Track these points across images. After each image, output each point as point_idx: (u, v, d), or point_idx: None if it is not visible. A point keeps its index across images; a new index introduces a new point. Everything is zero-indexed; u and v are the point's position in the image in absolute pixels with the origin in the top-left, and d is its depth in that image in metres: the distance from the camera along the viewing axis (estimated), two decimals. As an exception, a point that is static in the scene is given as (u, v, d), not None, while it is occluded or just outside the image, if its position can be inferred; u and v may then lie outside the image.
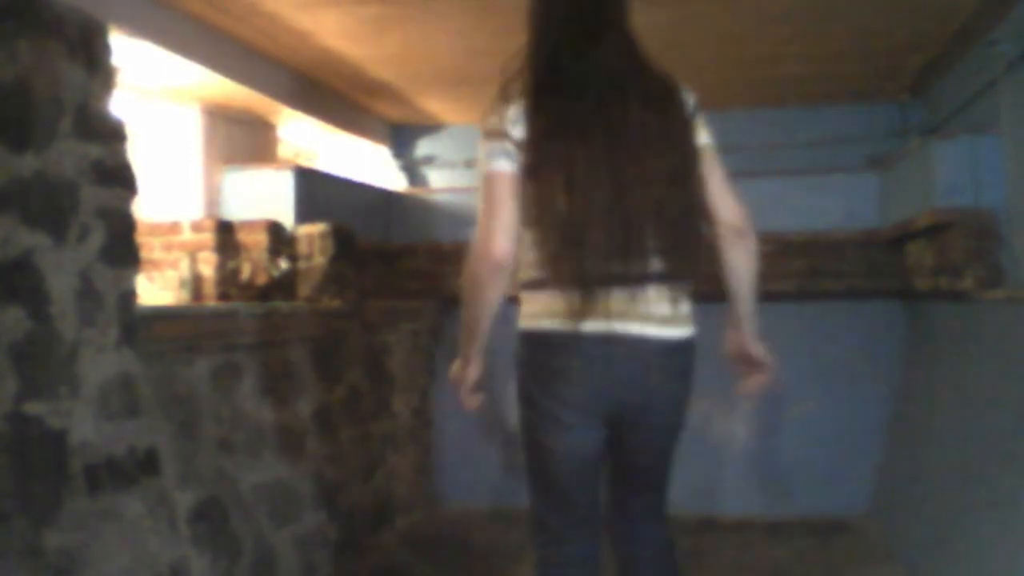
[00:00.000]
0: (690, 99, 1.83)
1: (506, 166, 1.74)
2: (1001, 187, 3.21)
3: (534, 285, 1.79)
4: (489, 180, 1.75)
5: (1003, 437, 2.70)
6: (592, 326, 1.73)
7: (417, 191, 4.98)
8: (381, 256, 4.49)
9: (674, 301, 1.78)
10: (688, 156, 1.78)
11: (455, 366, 1.95)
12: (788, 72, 4.14)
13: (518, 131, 1.75)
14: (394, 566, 3.46)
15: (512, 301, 1.84)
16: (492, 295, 1.77)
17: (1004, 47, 3.16)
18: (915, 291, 3.83)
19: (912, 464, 3.60)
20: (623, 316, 1.74)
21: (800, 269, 4.17)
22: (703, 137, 1.83)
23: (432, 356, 4.50)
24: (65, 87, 1.94)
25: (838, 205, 4.21)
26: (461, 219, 4.62)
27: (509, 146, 1.75)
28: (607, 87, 1.76)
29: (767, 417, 4.27)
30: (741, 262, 1.84)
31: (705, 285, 1.83)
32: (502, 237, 1.72)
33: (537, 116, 1.76)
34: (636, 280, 1.74)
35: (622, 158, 1.72)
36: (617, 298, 1.73)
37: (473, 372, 1.92)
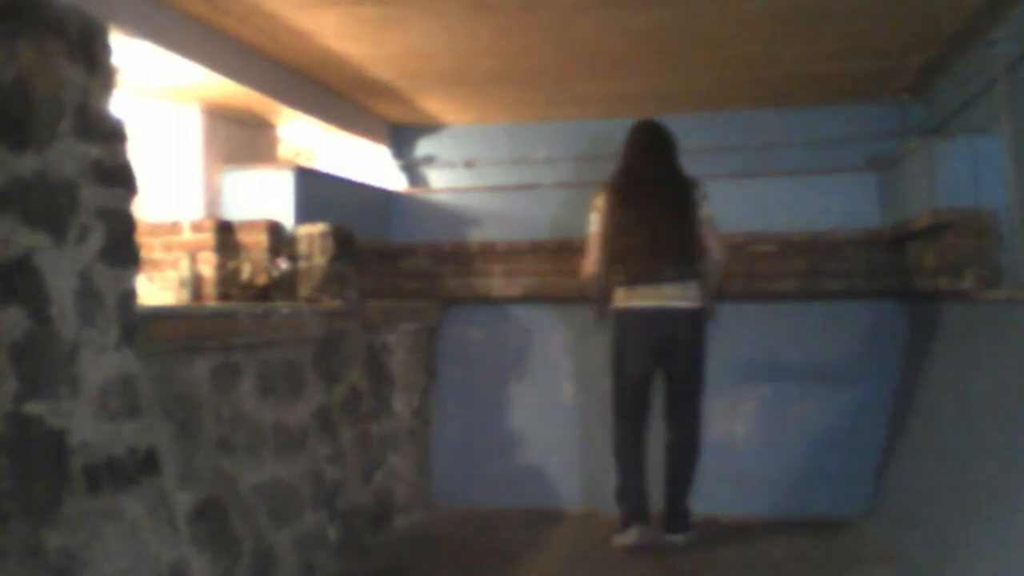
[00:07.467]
0: (700, 190, 3.61)
1: (594, 227, 3.72)
2: (1001, 187, 3.21)
3: (615, 283, 3.67)
4: (589, 235, 3.74)
5: (1003, 437, 2.70)
6: (636, 303, 3.61)
7: (417, 191, 4.97)
8: (381, 256, 4.49)
9: (683, 289, 3.57)
10: (692, 222, 3.58)
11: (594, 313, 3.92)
12: (787, 72, 4.14)
13: (601, 204, 3.71)
14: (394, 566, 3.46)
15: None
16: (590, 285, 3.85)
17: (1004, 47, 3.16)
18: (915, 291, 3.83)
19: (912, 464, 3.60)
20: (650, 298, 3.57)
21: (800, 269, 4.18)
22: (706, 211, 3.61)
23: (432, 356, 4.50)
24: (65, 87, 1.94)
25: (838, 205, 4.21)
26: (461, 219, 4.62)
27: (597, 215, 3.70)
28: (653, 183, 3.62)
29: (767, 417, 4.28)
30: (712, 269, 3.68)
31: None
32: (588, 265, 3.77)
33: (610, 197, 3.67)
34: (657, 280, 3.56)
35: (655, 220, 3.57)
36: (647, 289, 3.57)
37: (601, 314, 3.86)
